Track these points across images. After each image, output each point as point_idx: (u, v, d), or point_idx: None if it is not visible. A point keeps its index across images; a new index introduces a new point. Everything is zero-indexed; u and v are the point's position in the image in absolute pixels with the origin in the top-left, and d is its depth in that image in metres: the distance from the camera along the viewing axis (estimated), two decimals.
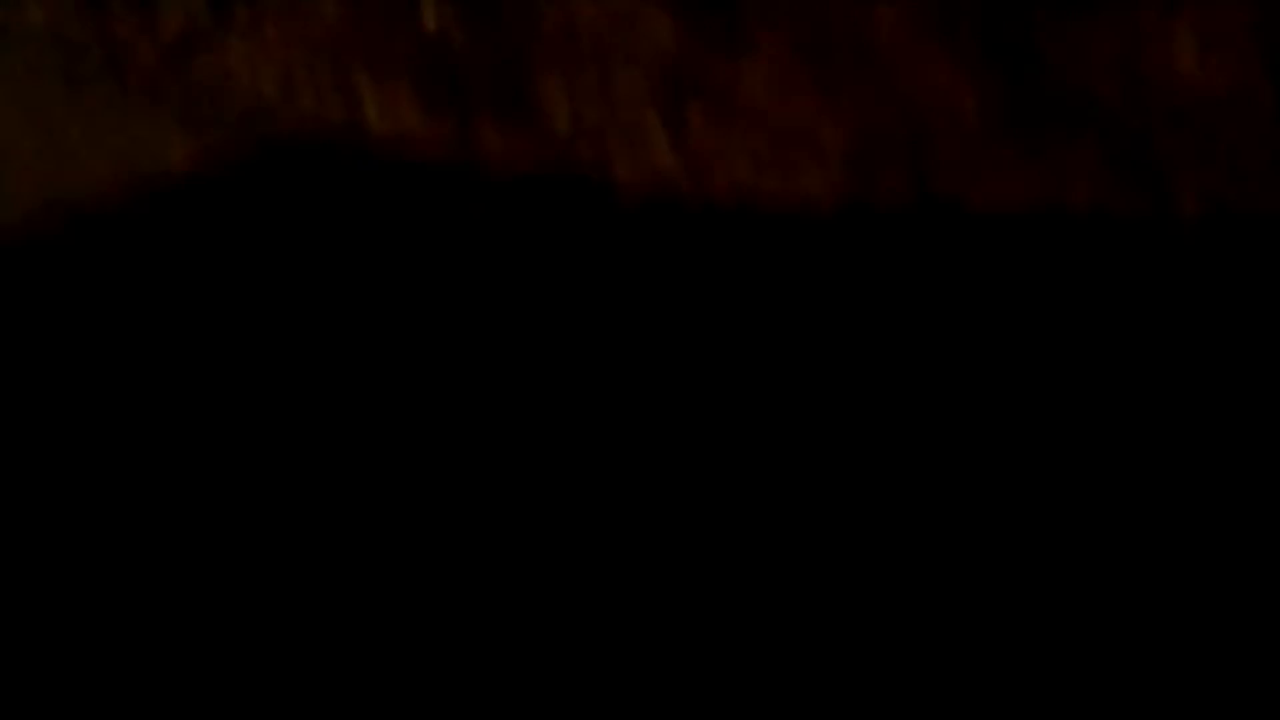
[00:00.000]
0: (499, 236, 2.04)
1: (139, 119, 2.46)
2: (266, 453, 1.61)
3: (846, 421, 1.56)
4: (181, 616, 1.36)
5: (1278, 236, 1.70)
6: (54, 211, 2.25)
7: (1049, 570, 1.32)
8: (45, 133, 2.45)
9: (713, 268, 1.89)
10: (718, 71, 2.12)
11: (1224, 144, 1.77)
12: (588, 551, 1.40)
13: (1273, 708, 1.14)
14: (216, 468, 1.59)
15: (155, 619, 1.36)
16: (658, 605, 1.32)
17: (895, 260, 1.77)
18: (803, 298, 1.79)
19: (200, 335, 1.92)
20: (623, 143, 2.10)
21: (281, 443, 1.64)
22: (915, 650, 1.24)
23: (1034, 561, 1.33)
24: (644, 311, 1.84)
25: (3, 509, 1.56)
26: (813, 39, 2.08)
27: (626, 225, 2.00)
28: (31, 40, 2.67)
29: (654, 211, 2.00)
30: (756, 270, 1.85)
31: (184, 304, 1.99)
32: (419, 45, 2.33)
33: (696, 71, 2.14)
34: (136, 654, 1.32)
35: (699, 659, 1.26)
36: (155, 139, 2.40)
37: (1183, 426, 1.47)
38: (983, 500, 1.41)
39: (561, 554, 1.40)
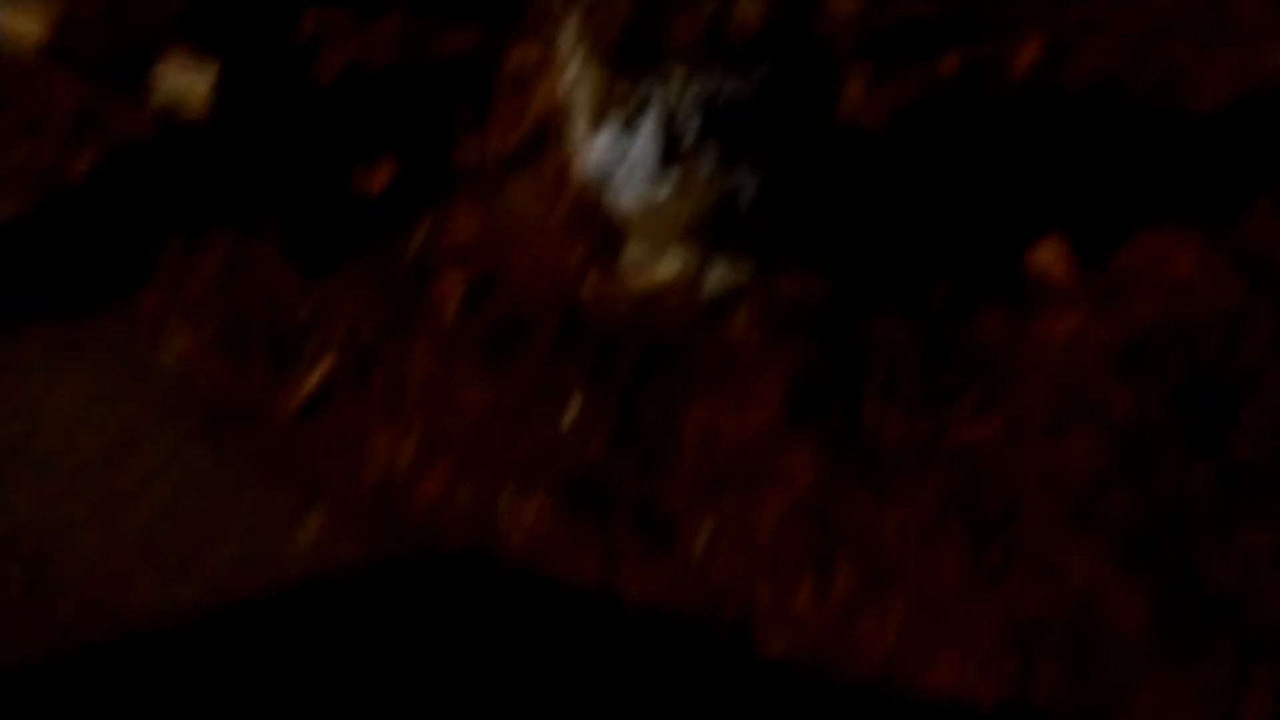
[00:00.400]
0: (627, 672, 2.03)
1: (271, 481, 2.49)
2: None
3: None
4: None
5: None
6: (178, 588, 2.27)
7: None
8: (178, 491, 2.49)
9: None
10: (861, 517, 2.15)
11: None
12: None
13: None
14: None
15: None
16: None
17: None
18: None
19: None
20: (762, 581, 2.11)
21: None
22: None
23: None
24: None
25: None
26: (960, 497, 2.12)
27: (762, 679, 2.00)
28: (170, 382, 2.73)
29: (792, 667, 2.00)
30: None
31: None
32: (560, 446, 2.38)
33: (840, 514, 2.17)
34: None
35: None
36: (285, 508, 2.42)
37: None
38: None
39: None
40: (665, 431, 2.36)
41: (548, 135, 2.68)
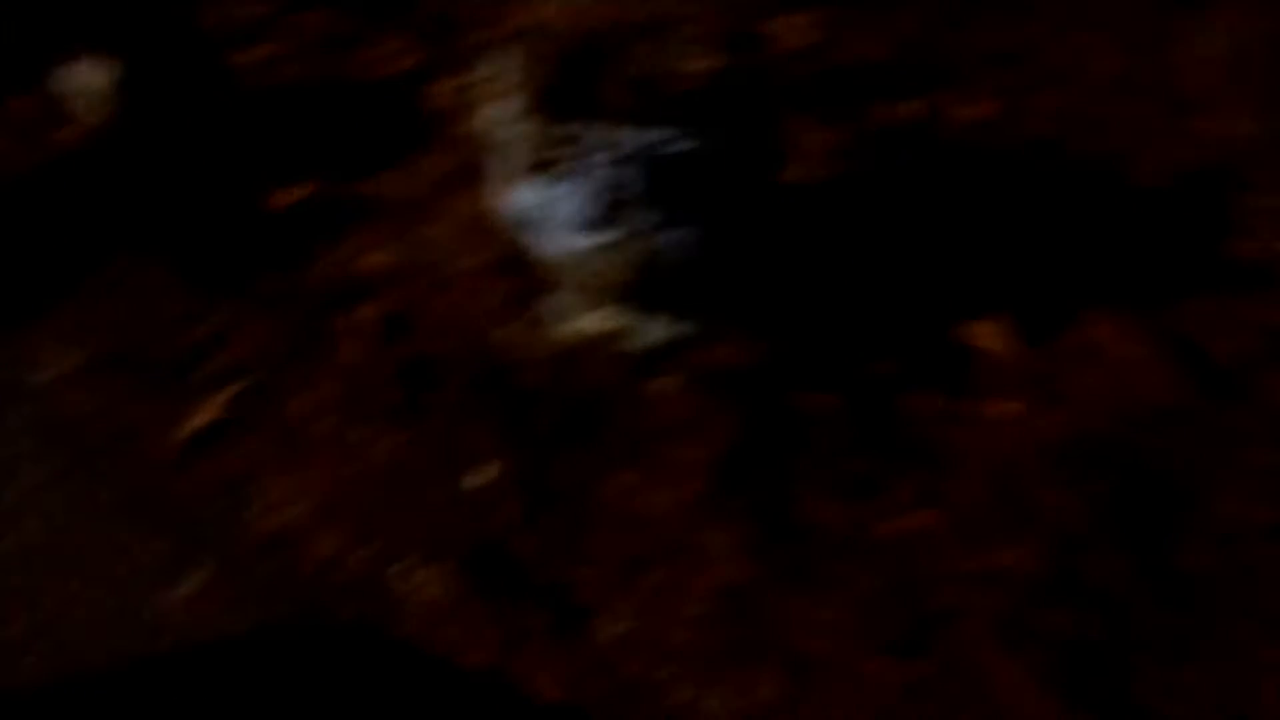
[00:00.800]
0: None
1: (148, 527, 2.29)
2: None
3: None
4: None
5: None
6: (42, 646, 2.07)
7: None
8: (48, 533, 2.27)
9: None
10: (788, 611, 2.02)
11: None
12: None
13: None
14: None
15: None
16: None
17: None
18: None
19: None
20: (678, 677, 1.98)
21: None
22: None
23: None
24: None
25: None
26: (892, 596, 2.00)
27: None
28: (48, 408, 2.51)
29: None
30: None
31: None
32: (467, 510, 2.21)
33: (766, 606, 2.04)
34: None
35: None
36: (162, 559, 2.22)
37: None
38: None
39: None
40: (582, 501, 2.20)
41: (474, 172, 2.51)
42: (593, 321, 2.34)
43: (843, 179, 2.68)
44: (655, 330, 2.34)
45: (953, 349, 2.45)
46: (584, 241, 2.22)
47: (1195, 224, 2.82)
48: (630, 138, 2.10)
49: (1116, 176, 2.97)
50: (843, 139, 2.87)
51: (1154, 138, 3.06)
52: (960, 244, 2.64)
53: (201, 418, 2.44)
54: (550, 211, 2.20)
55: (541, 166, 2.17)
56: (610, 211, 2.18)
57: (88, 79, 2.90)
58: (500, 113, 2.22)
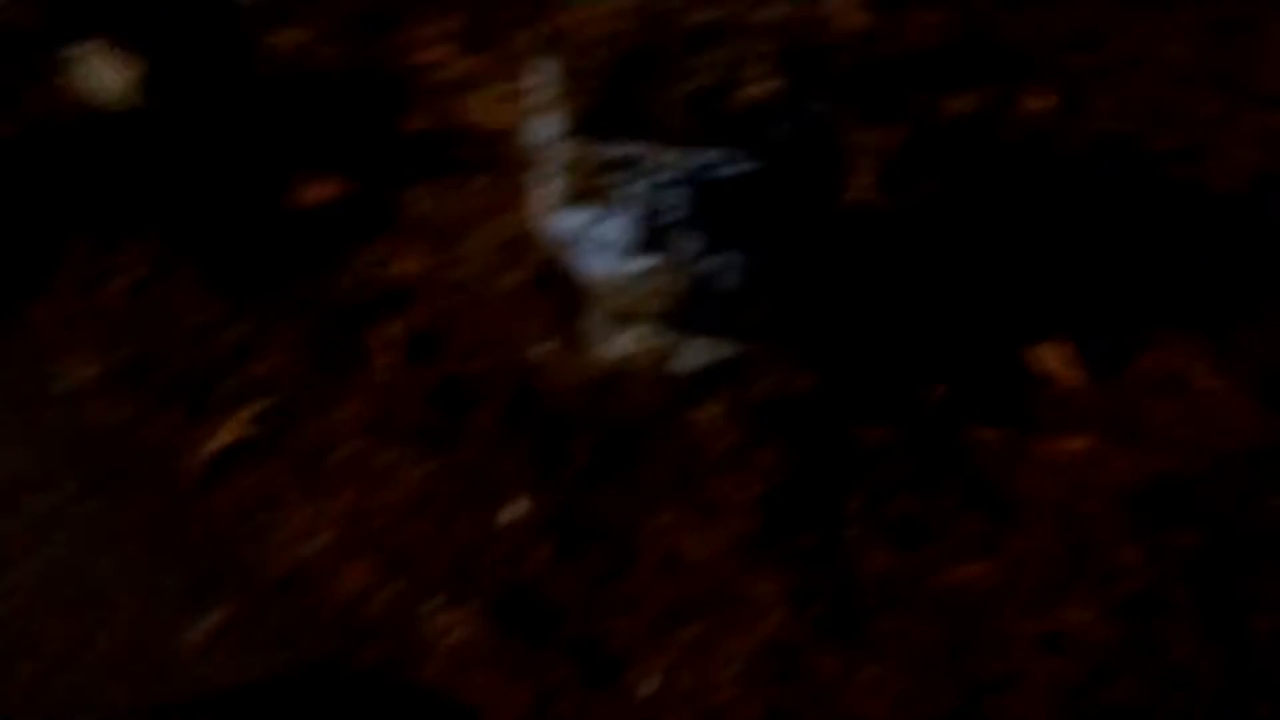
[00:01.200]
0: None
1: (168, 557, 2.20)
2: None
3: None
4: None
5: None
6: (45, 691, 1.99)
7: None
8: (61, 563, 2.19)
9: None
10: (833, 669, 1.91)
11: None
12: None
13: None
14: None
15: None
16: None
17: None
18: None
19: None
20: None
21: None
22: None
23: None
24: None
25: None
26: (945, 656, 1.88)
27: None
28: (66, 420, 2.42)
29: None
30: None
31: None
32: (499, 549, 2.11)
33: (810, 663, 1.92)
34: None
35: None
36: (180, 593, 2.14)
37: None
38: None
39: None
40: (619, 542, 2.08)
41: (515, 185, 2.38)
42: (634, 346, 2.22)
43: (898, 197, 2.54)
44: (700, 356, 2.21)
45: (1015, 376, 2.32)
46: (628, 265, 2.10)
47: (1278, 233, 2.65)
48: (679, 159, 1.97)
49: (1189, 178, 2.80)
50: (900, 140, 2.73)
51: (1231, 132, 2.88)
52: (1022, 259, 2.50)
53: (223, 437, 2.34)
54: (593, 233, 2.08)
55: (586, 186, 2.04)
56: (656, 235, 2.05)
57: (108, 67, 2.80)
58: (545, 127, 2.09)
